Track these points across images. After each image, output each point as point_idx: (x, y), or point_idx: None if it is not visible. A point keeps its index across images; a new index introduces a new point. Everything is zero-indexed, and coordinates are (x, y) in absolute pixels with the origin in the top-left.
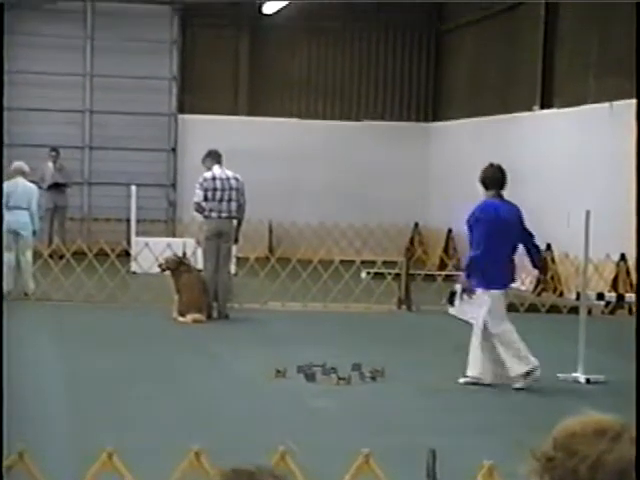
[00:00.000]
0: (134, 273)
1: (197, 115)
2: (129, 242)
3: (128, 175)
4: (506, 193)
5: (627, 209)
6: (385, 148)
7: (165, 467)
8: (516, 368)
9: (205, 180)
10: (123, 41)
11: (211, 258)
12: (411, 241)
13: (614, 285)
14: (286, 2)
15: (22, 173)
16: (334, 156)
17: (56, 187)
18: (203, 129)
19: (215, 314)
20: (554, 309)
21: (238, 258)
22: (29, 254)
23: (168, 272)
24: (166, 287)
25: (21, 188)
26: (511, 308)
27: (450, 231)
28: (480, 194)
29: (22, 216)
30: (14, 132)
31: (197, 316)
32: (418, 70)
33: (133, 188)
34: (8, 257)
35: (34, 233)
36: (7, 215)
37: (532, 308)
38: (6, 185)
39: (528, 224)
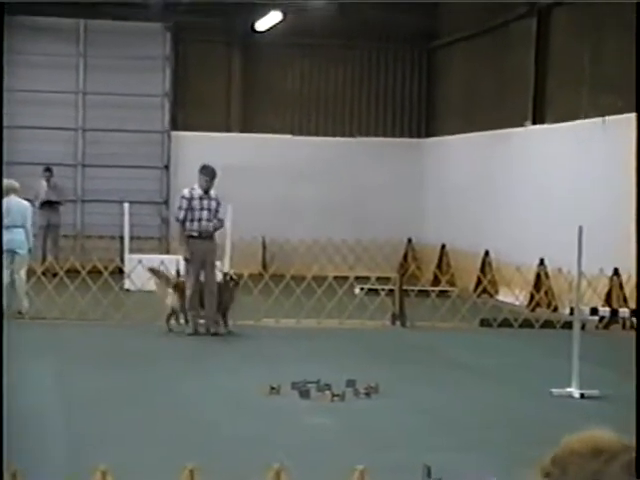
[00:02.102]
0: (127, 290)
1: (190, 132)
2: (122, 259)
3: (121, 192)
4: (499, 209)
5: (620, 224)
6: (378, 164)
7: None
8: None
9: None
10: (115, 59)
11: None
12: (405, 257)
13: (608, 300)
14: (278, 19)
15: (14, 191)
16: (327, 172)
17: (49, 205)
18: (196, 146)
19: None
20: (548, 324)
21: None
22: (23, 272)
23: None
24: (159, 305)
25: (15, 206)
26: (505, 323)
27: (444, 247)
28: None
29: (18, 234)
30: (7, 150)
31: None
32: (411, 86)
33: (126, 205)
34: (4, 275)
35: (29, 251)
36: (4, 235)
37: (526, 323)
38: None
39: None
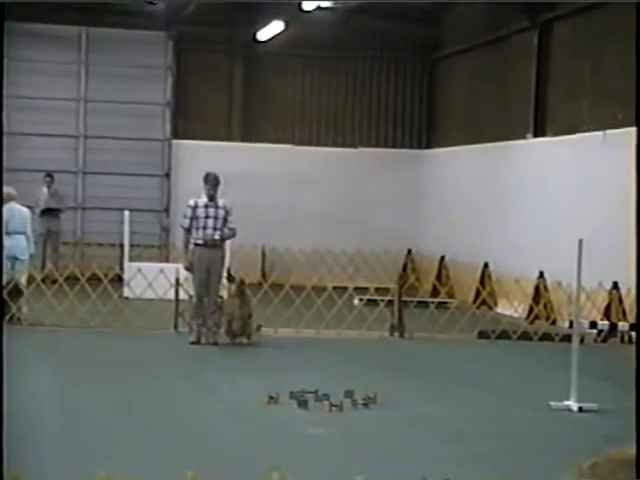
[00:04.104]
0: (127, 298)
1: (191, 140)
2: (122, 267)
3: (121, 200)
4: (499, 221)
5: (620, 237)
6: (379, 175)
7: None
8: None
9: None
10: (117, 67)
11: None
12: (404, 268)
13: (607, 313)
14: (280, 29)
15: (13, 198)
16: (328, 182)
17: (49, 212)
18: (197, 155)
19: (204, 339)
20: (546, 337)
21: None
22: (24, 279)
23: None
24: (158, 313)
25: (17, 213)
26: (503, 335)
27: (443, 258)
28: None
29: (20, 241)
30: (8, 156)
31: None
32: (412, 97)
33: (126, 213)
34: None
35: (30, 257)
36: (6, 241)
37: (525, 336)
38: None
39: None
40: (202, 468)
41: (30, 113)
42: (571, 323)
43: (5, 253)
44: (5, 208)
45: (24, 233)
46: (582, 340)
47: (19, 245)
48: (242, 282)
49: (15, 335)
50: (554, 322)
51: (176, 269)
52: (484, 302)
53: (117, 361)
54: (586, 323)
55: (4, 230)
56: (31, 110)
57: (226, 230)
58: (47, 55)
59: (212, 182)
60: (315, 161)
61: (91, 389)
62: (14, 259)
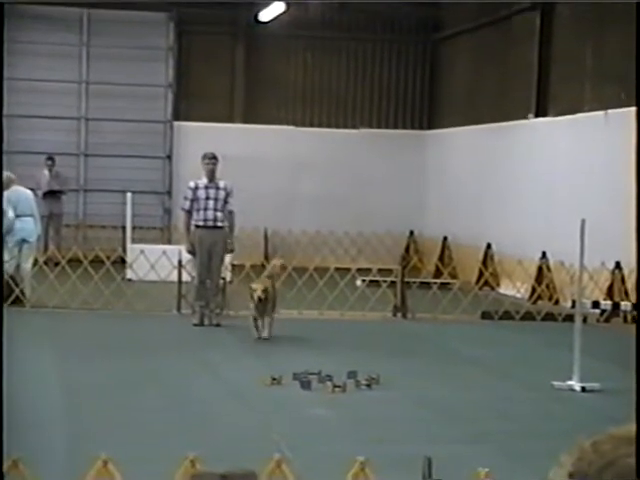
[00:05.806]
0: (129, 280)
1: (193, 122)
2: (124, 249)
3: (124, 182)
4: (502, 202)
5: (622, 217)
6: (381, 156)
7: (160, 474)
8: None
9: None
10: (119, 48)
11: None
12: (406, 249)
13: (609, 293)
14: (282, 10)
15: (14, 181)
16: (330, 164)
17: (52, 194)
18: (199, 136)
19: (207, 321)
20: (549, 317)
21: (234, 265)
22: (30, 261)
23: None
24: (161, 295)
25: (23, 195)
26: (506, 316)
27: (445, 239)
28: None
29: (29, 223)
30: (10, 139)
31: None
32: (414, 78)
33: (129, 195)
34: (10, 264)
35: (38, 238)
36: (16, 224)
37: (527, 316)
38: (9, 194)
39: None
40: (204, 449)
41: (31, 95)
42: (574, 303)
43: (15, 237)
44: (10, 191)
45: (32, 215)
46: (585, 320)
47: (28, 228)
48: (270, 276)
49: (18, 317)
50: (557, 302)
51: (178, 251)
52: (487, 283)
53: (119, 343)
54: (589, 303)
55: (13, 214)
56: (32, 92)
57: (223, 214)
58: (48, 37)
59: (209, 156)
60: (317, 142)
61: (93, 371)
62: (22, 241)
